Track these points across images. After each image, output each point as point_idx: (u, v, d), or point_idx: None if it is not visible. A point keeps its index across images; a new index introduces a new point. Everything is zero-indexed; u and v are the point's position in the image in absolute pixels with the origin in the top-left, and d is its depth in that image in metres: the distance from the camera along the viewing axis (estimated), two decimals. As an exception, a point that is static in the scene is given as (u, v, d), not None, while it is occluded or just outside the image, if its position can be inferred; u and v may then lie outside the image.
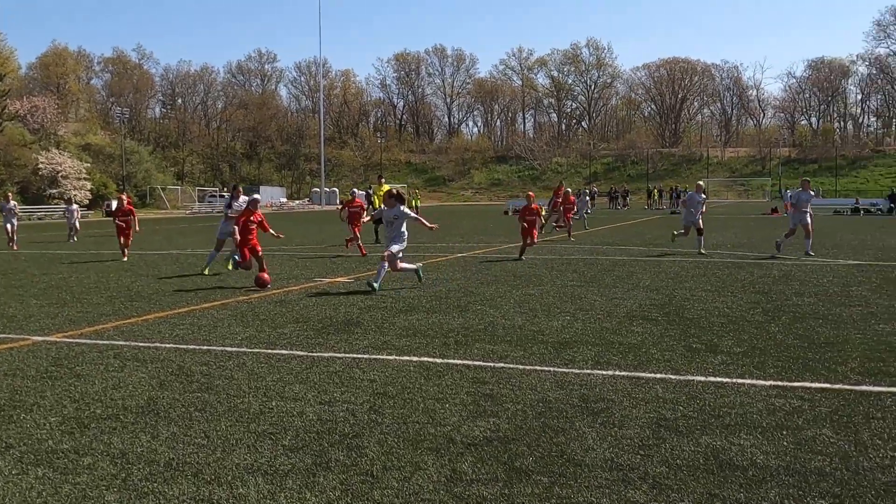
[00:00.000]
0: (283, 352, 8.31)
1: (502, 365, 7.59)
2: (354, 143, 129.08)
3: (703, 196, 21.13)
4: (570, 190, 30.44)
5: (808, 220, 19.46)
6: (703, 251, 20.01)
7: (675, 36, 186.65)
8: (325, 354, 8.16)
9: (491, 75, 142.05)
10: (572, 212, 28.80)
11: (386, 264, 13.19)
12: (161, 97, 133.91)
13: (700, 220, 20.46)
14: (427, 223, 14.31)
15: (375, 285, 12.88)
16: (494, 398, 6.40)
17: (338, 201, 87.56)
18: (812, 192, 20.16)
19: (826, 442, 5.29)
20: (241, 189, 18.51)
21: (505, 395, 6.50)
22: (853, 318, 10.11)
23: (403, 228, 13.51)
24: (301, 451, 5.17)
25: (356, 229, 20.50)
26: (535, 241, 19.73)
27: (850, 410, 6.00)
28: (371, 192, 22.62)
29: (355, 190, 24.63)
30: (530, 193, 20.84)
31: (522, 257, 19.08)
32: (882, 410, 6.00)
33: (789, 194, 60.70)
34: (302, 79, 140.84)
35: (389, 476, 4.73)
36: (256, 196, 14.97)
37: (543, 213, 22.08)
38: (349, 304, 11.76)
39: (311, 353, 8.21)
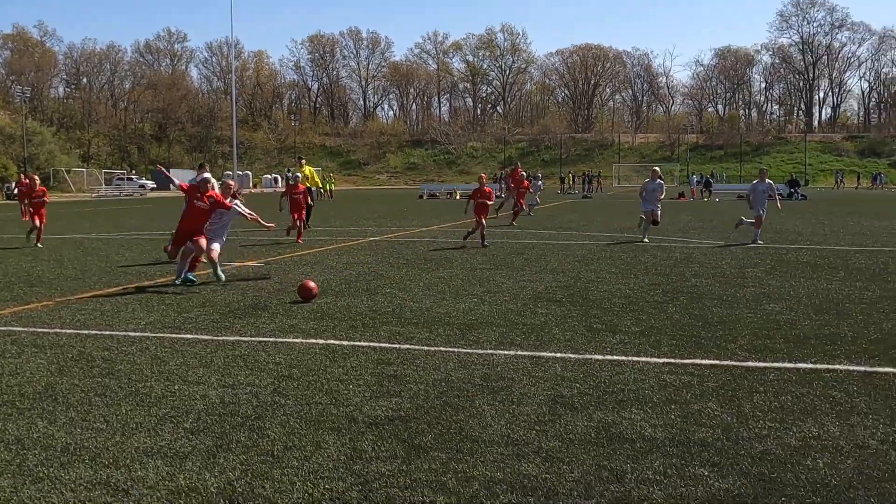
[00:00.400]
0: (188, 336, 8.25)
1: (408, 346, 7.70)
2: (268, 126, 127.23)
3: (660, 182, 19.87)
4: (525, 174, 29.60)
5: (763, 211, 19.08)
6: (645, 239, 19.09)
7: (588, 23, 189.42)
8: (231, 338, 8.14)
9: (406, 59, 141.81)
10: (524, 196, 28.16)
11: (189, 260, 12.18)
12: (65, 76, 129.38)
13: (658, 211, 19.38)
14: (254, 218, 13.04)
15: (193, 278, 12.02)
16: (398, 379, 6.51)
17: (275, 184, 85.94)
18: (769, 182, 19.58)
19: (711, 415, 5.57)
20: (206, 167, 16.91)
21: (409, 375, 6.62)
22: (746, 298, 10.56)
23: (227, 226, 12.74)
24: (202, 434, 5.18)
25: (297, 216, 19.62)
26: (485, 223, 18.46)
27: (736, 385, 6.32)
28: (290, 174, 21.72)
29: (298, 174, 22.09)
30: (482, 175, 20.54)
31: (486, 243, 17.94)
32: (764, 384, 6.33)
33: (696, 180, 62.03)
34: (213, 59, 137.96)
35: (290, 455, 4.79)
36: (207, 175, 13.04)
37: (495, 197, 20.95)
38: (257, 288, 11.70)
39: (216, 337, 8.17)
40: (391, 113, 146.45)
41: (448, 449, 4.89)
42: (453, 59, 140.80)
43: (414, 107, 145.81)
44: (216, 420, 5.46)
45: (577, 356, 7.29)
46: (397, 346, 7.74)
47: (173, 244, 12.19)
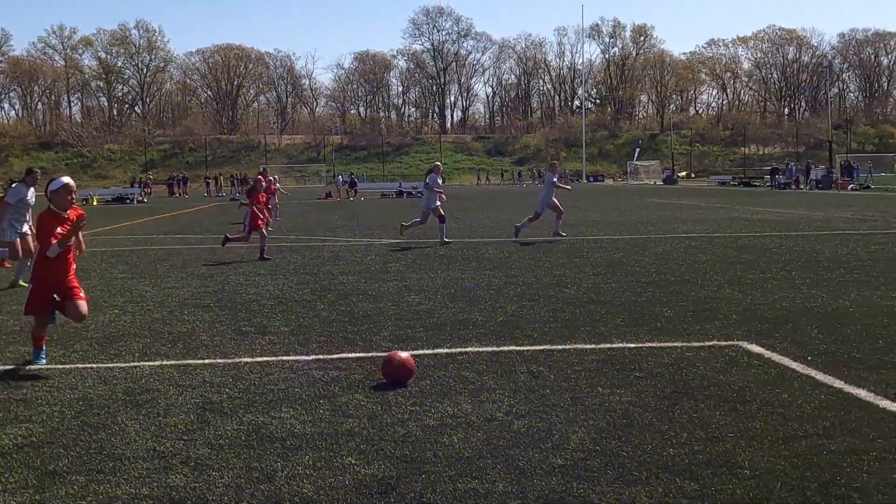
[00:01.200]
0: None
1: (38, 367, 7.10)
2: None
3: (440, 181, 19.01)
4: (273, 178, 25.98)
5: (556, 200, 19.23)
6: (446, 240, 18.05)
7: (229, 22, 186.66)
8: None
9: (29, 54, 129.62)
10: (270, 203, 23.46)
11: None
12: None
13: (441, 207, 18.59)
14: None
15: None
16: (28, 402, 5.98)
17: None
18: (557, 175, 19.93)
19: (358, 405, 5.80)
20: (37, 173, 12.72)
21: (40, 397, 6.11)
22: (389, 292, 11.10)
23: None
24: None
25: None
26: (253, 231, 16.14)
27: (380, 375, 6.61)
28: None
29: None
30: (259, 176, 18.20)
31: (266, 256, 15.71)
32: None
33: (342, 180, 63.59)
34: None
35: None
36: (66, 179, 7.30)
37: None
38: None
39: None
40: (13, 113, 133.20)
41: (88, 471, 4.60)
42: (83, 56, 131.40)
43: (40, 106, 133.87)
44: None
45: (226, 361, 7.20)
46: (25, 367, 7.11)
47: (32, 307, 7.22)
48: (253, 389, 6.26)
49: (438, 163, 20.22)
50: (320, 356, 7.34)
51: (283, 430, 5.26)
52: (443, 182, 18.90)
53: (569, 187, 20.34)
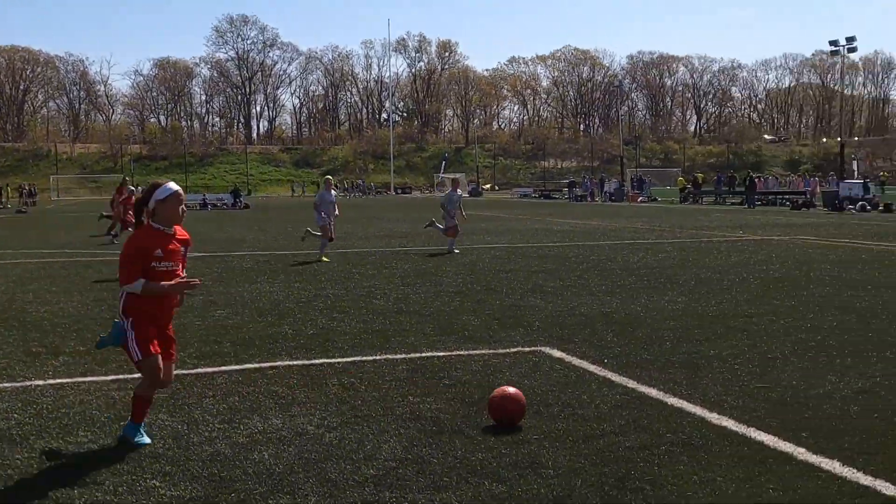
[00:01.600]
0: None
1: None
2: None
3: (335, 193, 18.42)
4: (132, 189, 20.81)
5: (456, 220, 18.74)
6: (325, 258, 16.94)
7: (13, 22, 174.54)
8: None
9: None
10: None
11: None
12: None
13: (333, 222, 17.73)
14: None
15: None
16: None
17: None
18: (460, 192, 19.36)
19: (162, 426, 5.57)
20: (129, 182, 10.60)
21: None
22: (195, 306, 10.72)
23: None
24: None
25: None
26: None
27: (186, 393, 6.41)
28: None
29: None
30: (131, 186, 15.83)
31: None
32: (213, 389, 6.53)
33: (139, 191, 61.02)
34: None
35: None
36: (174, 186, 5.44)
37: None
38: None
39: None
40: None
41: None
42: None
43: None
44: None
45: (14, 384, 6.72)
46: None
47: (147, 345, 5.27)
48: (45, 414, 5.87)
49: (329, 176, 19.69)
50: (120, 376, 6.98)
51: (81, 456, 4.97)
52: (334, 195, 18.50)
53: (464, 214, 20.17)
